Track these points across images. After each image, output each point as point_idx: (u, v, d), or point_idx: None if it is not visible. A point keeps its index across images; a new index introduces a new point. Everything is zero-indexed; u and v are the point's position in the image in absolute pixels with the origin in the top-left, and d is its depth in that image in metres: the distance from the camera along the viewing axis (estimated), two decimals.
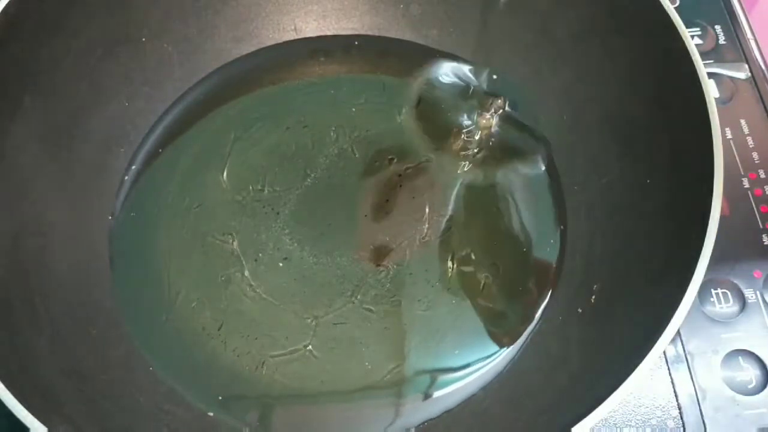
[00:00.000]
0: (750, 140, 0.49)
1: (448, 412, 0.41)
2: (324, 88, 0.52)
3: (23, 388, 0.31)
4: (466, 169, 0.48)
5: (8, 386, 0.30)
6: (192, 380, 0.42)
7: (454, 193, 0.47)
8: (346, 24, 0.55)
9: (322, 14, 0.54)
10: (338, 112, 0.51)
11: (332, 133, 0.50)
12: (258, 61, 0.53)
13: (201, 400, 0.41)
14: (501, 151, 0.49)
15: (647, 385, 0.42)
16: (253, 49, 0.54)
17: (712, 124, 0.35)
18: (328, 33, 0.54)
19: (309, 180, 0.48)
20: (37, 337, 0.37)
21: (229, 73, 0.53)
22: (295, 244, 0.46)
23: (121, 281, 0.45)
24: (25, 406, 0.30)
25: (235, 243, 0.46)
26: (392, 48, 0.54)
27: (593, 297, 0.41)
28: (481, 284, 0.44)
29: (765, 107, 0.51)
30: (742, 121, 0.50)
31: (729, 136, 0.49)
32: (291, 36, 0.54)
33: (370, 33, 0.54)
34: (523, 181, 0.48)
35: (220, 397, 0.41)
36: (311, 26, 0.55)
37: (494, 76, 0.51)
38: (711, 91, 0.36)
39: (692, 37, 0.38)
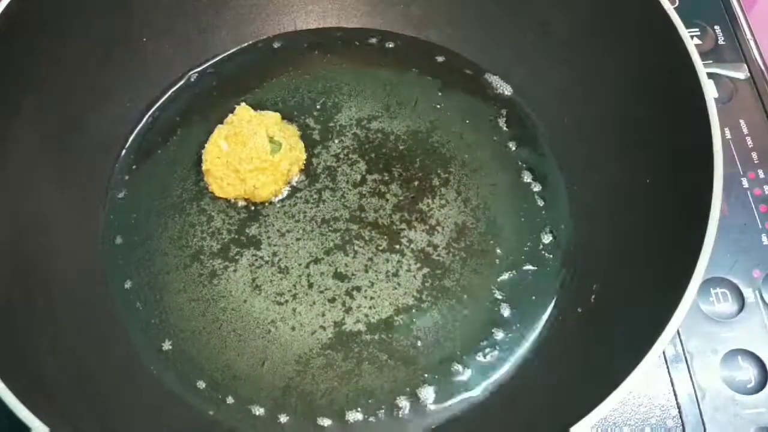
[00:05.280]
0: (749, 140, 0.49)
1: (448, 413, 0.41)
2: (325, 85, 0.52)
3: (24, 388, 0.31)
4: (466, 166, 0.48)
5: (9, 386, 0.30)
6: (192, 380, 0.42)
7: (455, 191, 0.47)
8: (347, 25, 0.55)
9: (323, 15, 0.55)
10: (339, 109, 0.51)
11: (334, 130, 0.50)
12: (258, 57, 0.53)
13: (201, 400, 0.41)
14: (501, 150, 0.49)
15: (647, 385, 0.42)
16: (251, 42, 0.54)
17: (711, 124, 0.35)
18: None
19: (310, 178, 0.48)
20: (37, 337, 0.37)
21: (229, 71, 0.53)
22: (295, 245, 0.46)
23: (121, 281, 0.45)
24: (26, 406, 0.30)
25: (235, 243, 0.46)
26: (393, 44, 0.54)
27: (593, 297, 0.41)
28: (483, 284, 0.44)
29: (764, 107, 0.51)
30: (742, 121, 0.50)
31: (728, 136, 0.50)
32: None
33: (371, 28, 0.54)
34: (523, 180, 0.48)
35: (220, 396, 0.41)
36: (311, 27, 0.55)
37: (494, 76, 0.51)
38: (710, 91, 0.36)
39: (692, 37, 0.38)
